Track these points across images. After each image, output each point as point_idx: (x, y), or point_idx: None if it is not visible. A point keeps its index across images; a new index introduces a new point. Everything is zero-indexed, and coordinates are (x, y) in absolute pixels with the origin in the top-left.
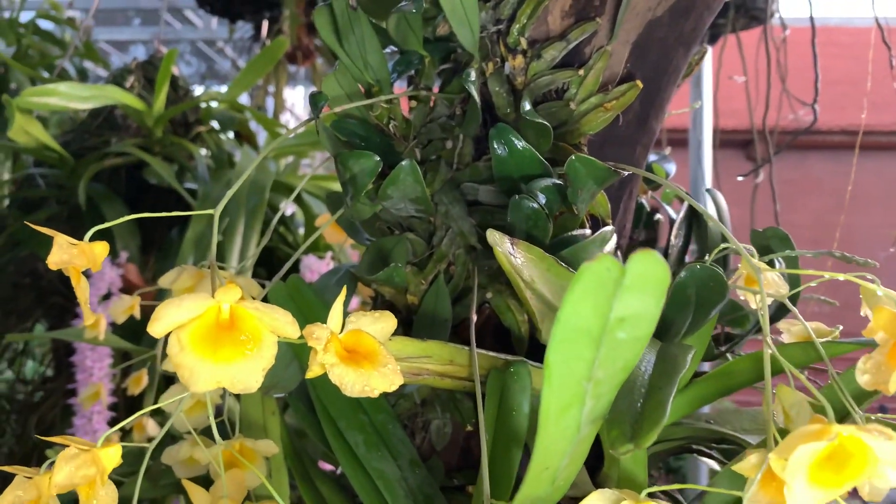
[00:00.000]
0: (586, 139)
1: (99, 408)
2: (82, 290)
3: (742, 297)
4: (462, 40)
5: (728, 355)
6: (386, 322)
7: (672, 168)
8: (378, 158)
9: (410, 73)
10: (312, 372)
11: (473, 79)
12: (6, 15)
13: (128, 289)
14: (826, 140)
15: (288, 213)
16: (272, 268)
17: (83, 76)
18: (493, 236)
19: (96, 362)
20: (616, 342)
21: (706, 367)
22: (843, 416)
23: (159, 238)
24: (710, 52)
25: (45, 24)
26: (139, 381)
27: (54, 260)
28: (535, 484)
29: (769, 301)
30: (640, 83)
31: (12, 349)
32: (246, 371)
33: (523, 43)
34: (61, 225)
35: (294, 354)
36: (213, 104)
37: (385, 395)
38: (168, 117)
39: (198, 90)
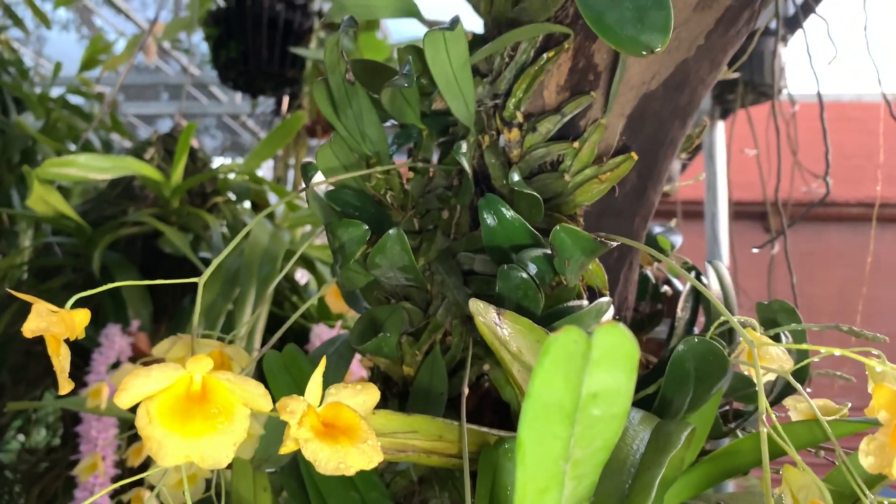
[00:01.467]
0: (582, 210)
1: (100, 480)
2: (61, 359)
3: (746, 372)
4: (457, 114)
5: (738, 432)
6: (368, 395)
7: (678, 240)
8: (366, 227)
9: (410, 145)
10: (286, 447)
11: (465, 151)
12: (37, 90)
13: (138, 358)
14: (843, 212)
15: (302, 282)
16: (284, 337)
17: (108, 148)
18: (476, 305)
19: (101, 432)
20: (592, 419)
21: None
22: (856, 500)
23: (171, 307)
24: (721, 126)
25: (75, 99)
26: (139, 453)
27: (31, 327)
28: None
29: (774, 376)
30: (635, 155)
31: (23, 417)
32: (216, 446)
33: (519, 116)
34: (77, 291)
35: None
36: (231, 175)
37: (380, 471)
38: (185, 188)
39: (222, 162)
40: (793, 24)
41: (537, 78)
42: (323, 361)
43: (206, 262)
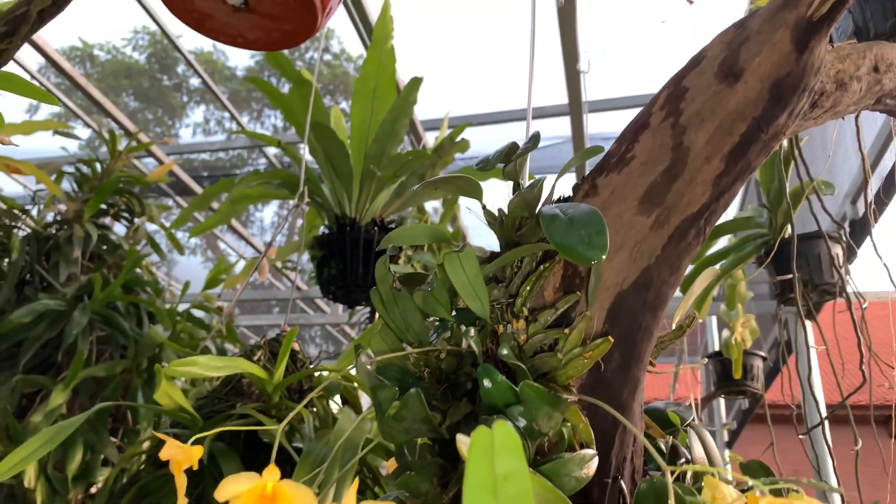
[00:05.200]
0: (576, 382)
1: None
2: (181, 482)
3: None
4: (475, 311)
5: None
6: None
7: (689, 415)
8: (396, 389)
9: (448, 334)
10: None
11: (472, 334)
12: (167, 306)
13: None
14: None
15: (384, 472)
16: None
17: (222, 354)
18: (463, 439)
19: None
20: (508, 497)
21: None
22: None
23: None
24: (809, 326)
25: (198, 312)
26: None
27: (165, 454)
28: None
29: None
30: (611, 339)
31: None
32: None
33: (525, 311)
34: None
35: None
36: (325, 374)
37: None
38: (285, 385)
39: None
40: (862, 224)
41: (538, 282)
42: (355, 483)
43: (300, 452)
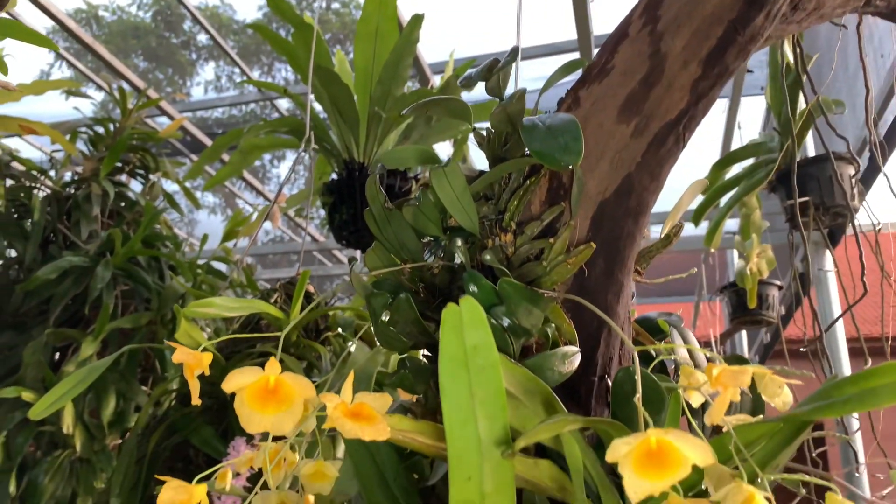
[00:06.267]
0: (561, 287)
1: None
2: (194, 385)
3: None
4: (464, 226)
5: None
6: (383, 400)
7: (678, 322)
8: (388, 295)
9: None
10: (327, 423)
11: (460, 245)
12: (188, 258)
13: None
14: None
15: None
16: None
17: None
18: None
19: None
20: (478, 367)
21: None
22: (751, 480)
23: None
24: (828, 255)
25: (218, 265)
26: None
27: (177, 357)
28: (462, 490)
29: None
30: (593, 245)
31: None
32: (282, 422)
33: (513, 225)
34: (212, 415)
35: (356, 472)
36: (340, 313)
37: None
38: (302, 324)
39: None
40: (881, 149)
41: (525, 197)
42: (352, 375)
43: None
